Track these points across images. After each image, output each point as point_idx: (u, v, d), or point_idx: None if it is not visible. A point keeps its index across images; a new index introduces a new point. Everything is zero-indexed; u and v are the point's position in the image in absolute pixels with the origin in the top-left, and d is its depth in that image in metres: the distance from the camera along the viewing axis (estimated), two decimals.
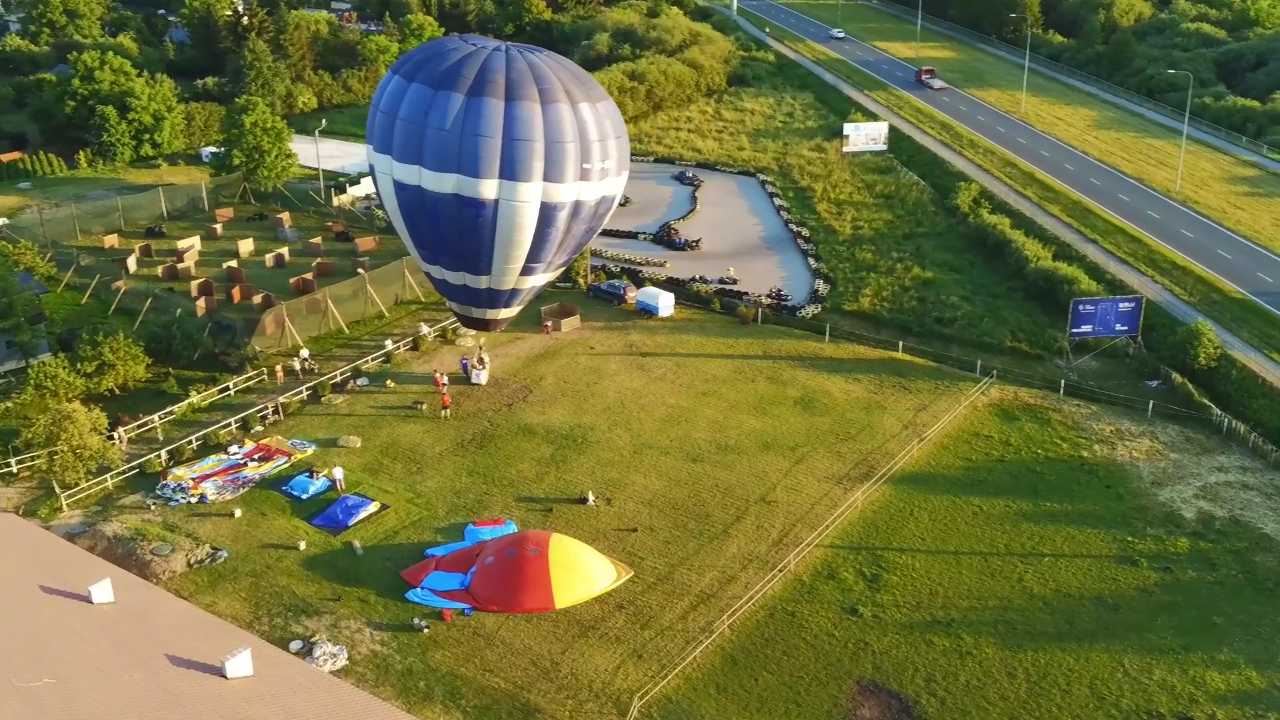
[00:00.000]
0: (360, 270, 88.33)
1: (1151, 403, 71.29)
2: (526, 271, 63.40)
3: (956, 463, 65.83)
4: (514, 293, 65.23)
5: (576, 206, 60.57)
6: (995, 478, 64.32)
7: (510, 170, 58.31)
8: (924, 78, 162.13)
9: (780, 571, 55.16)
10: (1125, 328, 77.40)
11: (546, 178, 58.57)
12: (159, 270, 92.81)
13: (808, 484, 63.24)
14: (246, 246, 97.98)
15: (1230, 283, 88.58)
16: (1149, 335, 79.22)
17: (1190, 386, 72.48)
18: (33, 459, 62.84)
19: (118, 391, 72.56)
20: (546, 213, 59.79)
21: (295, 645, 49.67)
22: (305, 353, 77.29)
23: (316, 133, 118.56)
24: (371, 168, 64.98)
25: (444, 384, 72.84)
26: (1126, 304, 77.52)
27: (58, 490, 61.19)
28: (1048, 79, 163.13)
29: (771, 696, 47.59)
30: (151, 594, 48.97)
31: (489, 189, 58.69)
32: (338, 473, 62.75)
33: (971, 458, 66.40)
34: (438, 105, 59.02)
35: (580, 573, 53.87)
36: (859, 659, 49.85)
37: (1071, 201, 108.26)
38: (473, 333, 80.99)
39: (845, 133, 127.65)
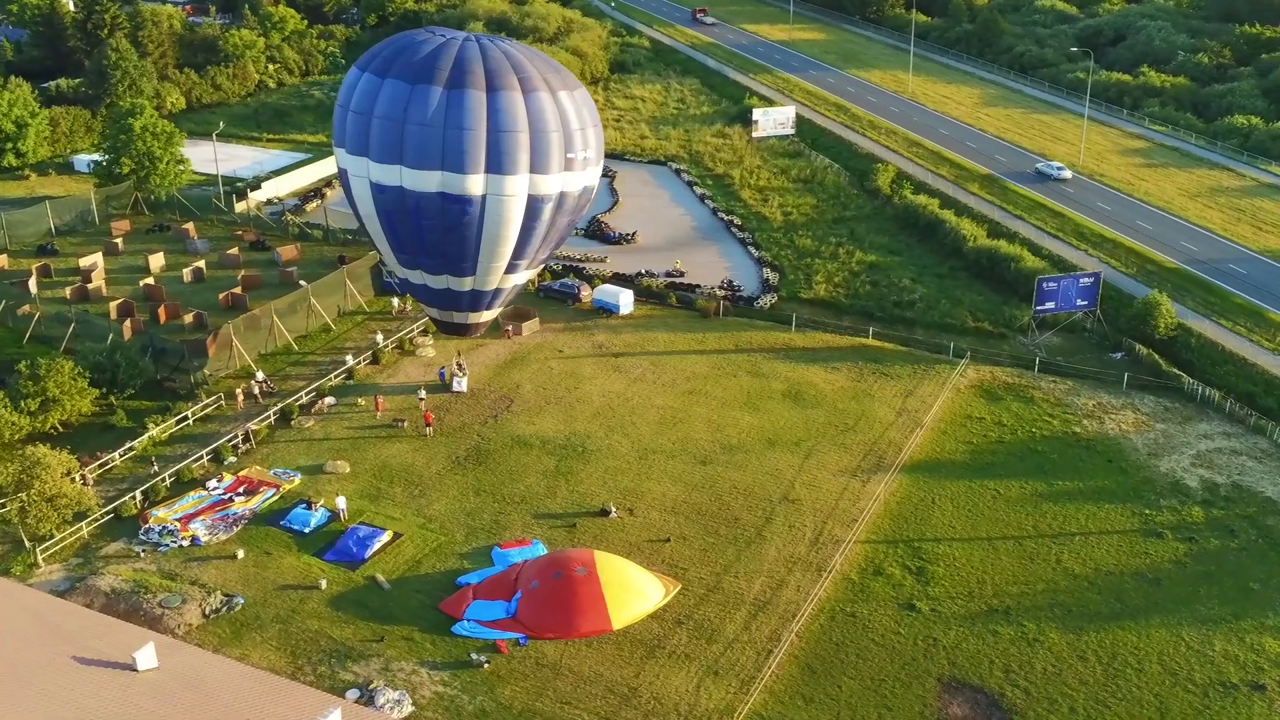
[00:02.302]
0: (302, 282, 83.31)
1: (1126, 375, 73.25)
2: (511, 269, 61.39)
3: (959, 447, 66.17)
4: (496, 293, 63.13)
5: (561, 198, 58.92)
6: (1001, 460, 64.92)
7: (497, 163, 56.33)
8: (699, 15, 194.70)
9: (830, 573, 54.34)
10: (1085, 302, 79.29)
11: (533, 169, 56.87)
12: (66, 292, 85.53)
13: (824, 479, 62.54)
14: (158, 261, 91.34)
15: (1161, 253, 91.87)
16: (1102, 309, 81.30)
17: (1156, 357, 74.74)
18: None
19: (61, 429, 66.56)
20: (533, 205, 58.02)
21: (352, 694, 46.19)
22: (261, 374, 72.45)
23: (215, 135, 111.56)
24: (343, 172, 61.37)
25: (420, 400, 69.37)
26: (1086, 279, 79.39)
27: (28, 544, 55.59)
28: (920, 58, 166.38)
29: (860, 703, 46.67)
30: (192, 655, 44.56)
31: (475, 184, 56.58)
32: (340, 502, 58.82)
33: (972, 441, 66.86)
34: (417, 100, 56.39)
35: (633, 590, 51.85)
36: (933, 656, 49.40)
37: (986, 179, 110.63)
38: (433, 344, 77.65)
39: (754, 118, 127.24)
